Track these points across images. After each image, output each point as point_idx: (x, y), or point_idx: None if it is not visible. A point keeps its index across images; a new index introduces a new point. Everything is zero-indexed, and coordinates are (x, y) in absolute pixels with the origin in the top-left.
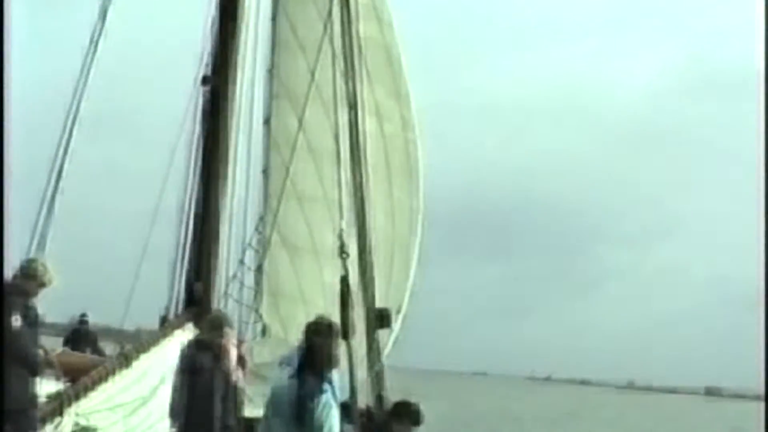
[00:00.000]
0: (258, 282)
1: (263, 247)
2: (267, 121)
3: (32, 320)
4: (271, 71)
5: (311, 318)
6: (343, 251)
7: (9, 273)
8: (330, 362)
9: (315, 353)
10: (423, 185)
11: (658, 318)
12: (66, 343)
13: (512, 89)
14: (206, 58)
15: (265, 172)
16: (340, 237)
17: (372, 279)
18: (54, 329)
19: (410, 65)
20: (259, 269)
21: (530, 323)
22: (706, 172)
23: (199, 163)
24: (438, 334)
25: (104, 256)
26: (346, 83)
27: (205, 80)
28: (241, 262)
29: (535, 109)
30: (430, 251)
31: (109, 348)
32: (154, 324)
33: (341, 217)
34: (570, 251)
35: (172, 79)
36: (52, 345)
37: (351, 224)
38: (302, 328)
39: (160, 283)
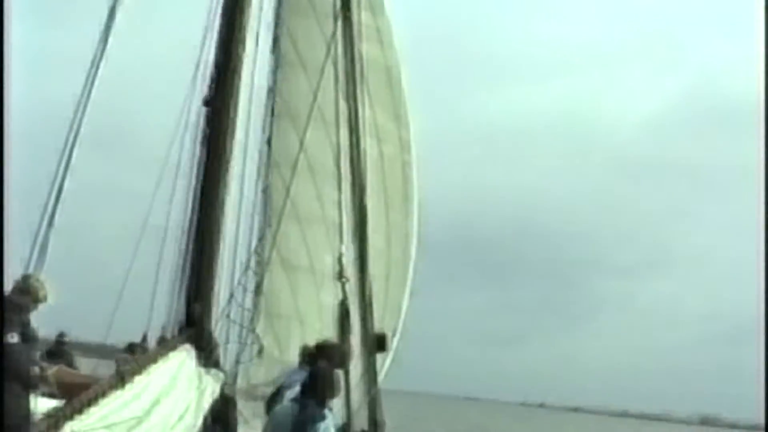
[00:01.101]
0: (256, 302)
1: (262, 267)
2: (268, 141)
3: (29, 337)
4: (273, 90)
5: (307, 339)
6: (342, 275)
7: (8, 287)
8: (334, 390)
9: (319, 378)
10: (417, 209)
11: (653, 349)
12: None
13: (513, 119)
14: (207, 78)
15: (266, 191)
16: (340, 261)
17: (371, 303)
18: (46, 345)
19: (411, 90)
20: (257, 290)
21: (523, 350)
22: (703, 205)
23: (200, 183)
24: (431, 358)
25: (97, 272)
26: (348, 104)
27: (206, 102)
28: (240, 283)
29: (535, 138)
30: (425, 276)
31: (88, 364)
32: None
33: (341, 240)
34: (564, 281)
35: (173, 99)
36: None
37: (349, 247)
38: (302, 349)
39: (145, 300)
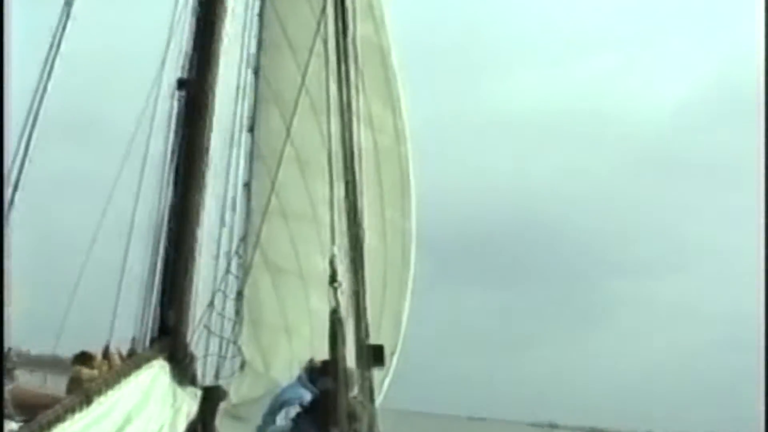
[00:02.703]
0: (238, 310)
1: (244, 269)
2: (251, 129)
3: None
4: (257, 73)
5: (295, 350)
6: (334, 280)
7: None
8: (339, 419)
9: (330, 402)
10: (415, 206)
11: (673, 355)
12: None
13: (527, 104)
14: (182, 59)
15: (248, 185)
16: (332, 264)
17: (365, 311)
18: None
19: (416, 78)
20: (239, 295)
21: (532, 359)
22: (727, 202)
23: (174, 174)
24: (432, 373)
25: (50, 273)
26: (339, 89)
27: (180, 84)
28: (220, 289)
29: (550, 126)
30: (425, 279)
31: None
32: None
33: (333, 241)
34: (576, 281)
35: (144, 81)
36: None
37: (342, 248)
38: (308, 363)
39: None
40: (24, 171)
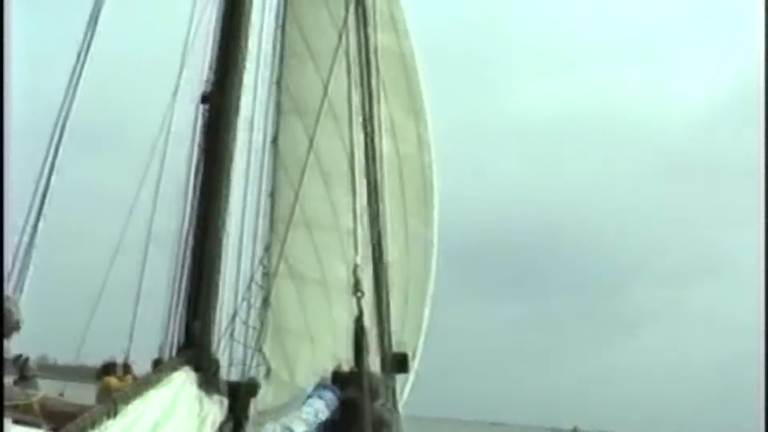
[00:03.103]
0: (262, 317)
1: (269, 279)
2: (274, 140)
3: None
4: (279, 84)
5: (318, 358)
6: (357, 289)
7: None
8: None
9: (354, 411)
10: (437, 215)
11: (700, 365)
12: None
13: (548, 113)
14: (206, 73)
15: (272, 195)
16: (355, 273)
17: (389, 319)
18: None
19: (437, 86)
20: (264, 304)
21: (556, 368)
22: (756, 207)
23: (198, 187)
24: (454, 380)
25: (75, 285)
26: (362, 98)
27: (204, 98)
28: (244, 298)
29: (572, 134)
30: (448, 289)
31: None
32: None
33: (356, 251)
34: (602, 290)
35: (169, 95)
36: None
37: (365, 257)
38: (334, 372)
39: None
40: (51, 183)
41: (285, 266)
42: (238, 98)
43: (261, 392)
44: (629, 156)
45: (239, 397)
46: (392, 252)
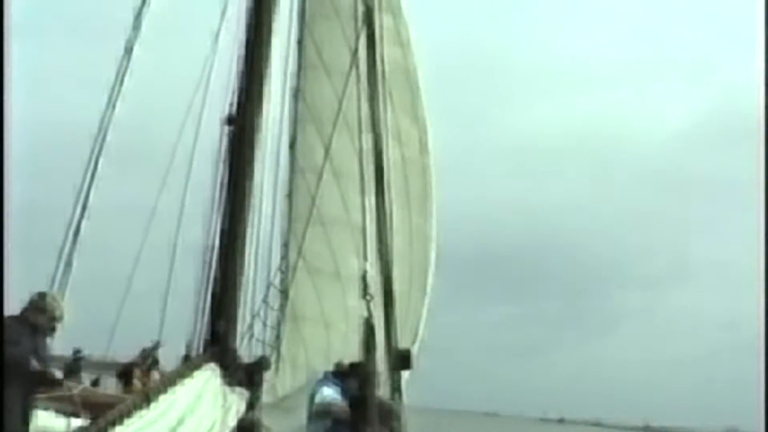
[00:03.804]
0: (283, 307)
1: (288, 271)
2: (292, 145)
3: (40, 357)
4: (297, 95)
5: (333, 343)
6: (366, 293)
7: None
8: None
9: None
10: (435, 211)
11: (674, 360)
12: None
13: (542, 133)
14: (230, 96)
15: (290, 196)
16: (364, 279)
17: (395, 318)
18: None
19: (440, 103)
20: (283, 294)
21: (543, 364)
22: (724, 218)
23: (223, 201)
24: (449, 374)
25: (116, 289)
26: (371, 108)
27: (229, 120)
28: (264, 300)
29: (562, 152)
30: (444, 290)
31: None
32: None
33: (365, 257)
34: (584, 293)
35: (198, 115)
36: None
37: (373, 251)
38: (336, 365)
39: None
40: (90, 196)
41: (302, 260)
42: (260, 120)
43: (279, 378)
44: (611, 171)
45: (253, 373)
46: (397, 245)
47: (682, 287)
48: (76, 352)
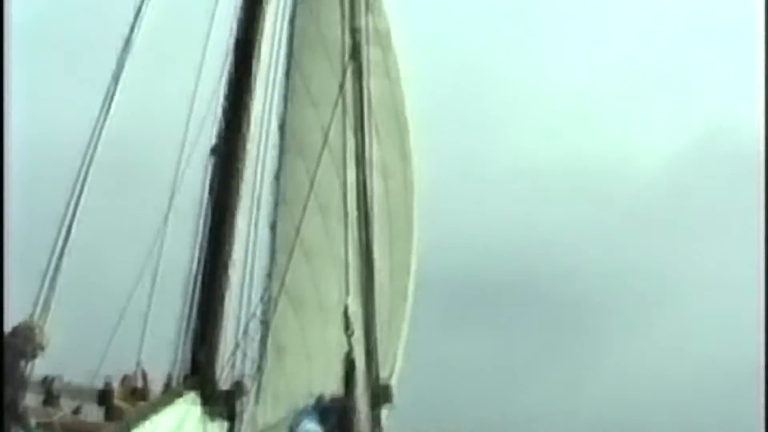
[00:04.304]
0: (264, 338)
1: (270, 303)
2: (277, 177)
3: (21, 381)
4: (283, 126)
5: (314, 375)
6: (348, 327)
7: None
8: None
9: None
10: (416, 246)
11: (656, 387)
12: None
13: (533, 160)
14: (215, 126)
15: (273, 227)
16: (346, 314)
17: (377, 354)
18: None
19: (427, 132)
20: (265, 324)
21: (531, 390)
22: (712, 249)
23: (206, 229)
24: (433, 405)
25: (94, 312)
26: (356, 141)
27: (213, 150)
28: (246, 331)
29: (553, 179)
30: (429, 321)
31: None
32: None
33: (347, 292)
34: (568, 325)
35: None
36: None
37: (355, 285)
38: (317, 399)
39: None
40: (75, 219)
41: (285, 292)
42: (244, 149)
43: (260, 409)
44: (602, 198)
45: (230, 400)
46: (379, 278)
47: (672, 316)
48: (45, 379)
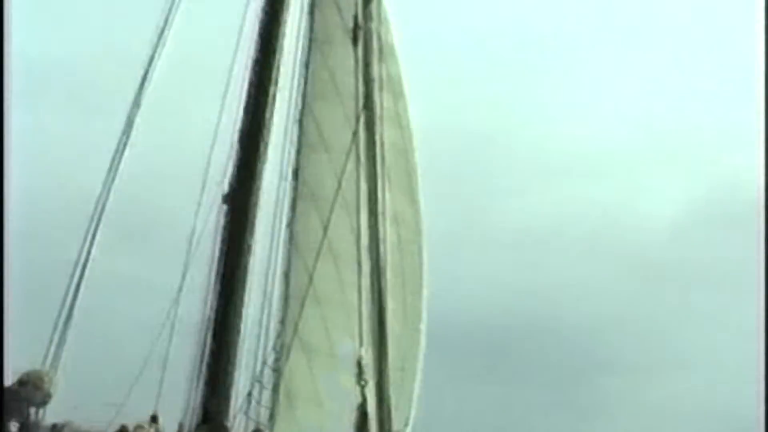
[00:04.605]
0: (276, 386)
1: (284, 350)
2: (290, 224)
3: (28, 427)
4: (297, 173)
5: (325, 422)
6: (361, 378)
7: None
8: None
9: None
10: (426, 290)
11: None
12: None
13: (536, 218)
14: (227, 175)
15: (287, 275)
16: (359, 365)
17: (389, 403)
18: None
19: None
20: (277, 372)
21: None
22: (715, 308)
23: (219, 278)
24: None
25: (107, 363)
26: (369, 189)
27: (225, 198)
28: (259, 381)
29: (556, 238)
30: (436, 371)
31: None
32: None
33: (360, 342)
34: (572, 379)
35: (194, 193)
36: None
37: (368, 332)
38: None
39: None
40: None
41: (297, 339)
42: (257, 198)
43: None
44: (605, 258)
45: None
46: (391, 325)
47: (675, 376)
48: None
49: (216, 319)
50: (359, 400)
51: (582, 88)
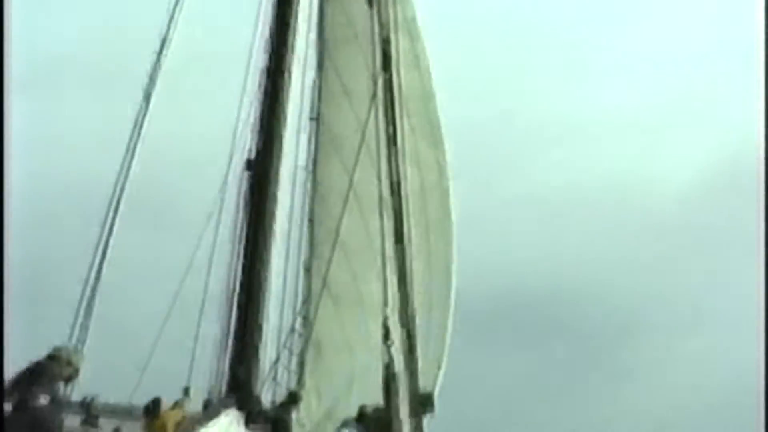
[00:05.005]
0: (306, 334)
1: (311, 297)
2: (312, 171)
3: (58, 401)
4: (317, 120)
5: (356, 373)
6: (388, 338)
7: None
8: None
9: None
10: (455, 234)
11: (689, 407)
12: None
13: (558, 185)
14: (248, 141)
15: (311, 221)
16: (385, 324)
17: (417, 363)
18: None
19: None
20: (306, 320)
21: (566, 411)
22: (739, 269)
23: (243, 246)
24: (470, 420)
25: (132, 338)
26: (388, 131)
27: (248, 165)
28: (285, 346)
29: (576, 204)
30: (459, 342)
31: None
32: None
33: (385, 303)
34: (599, 341)
35: (217, 163)
36: None
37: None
38: (360, 409)
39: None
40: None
41: (325, 288)
42: (279, 163)
43: (306, 409)
44: (629, 222)
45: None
46: (416, 273)
47: (694, 336)
48: (84, 400)
49: (242, 285)
50: (386, 360)
51: (596, 57)
